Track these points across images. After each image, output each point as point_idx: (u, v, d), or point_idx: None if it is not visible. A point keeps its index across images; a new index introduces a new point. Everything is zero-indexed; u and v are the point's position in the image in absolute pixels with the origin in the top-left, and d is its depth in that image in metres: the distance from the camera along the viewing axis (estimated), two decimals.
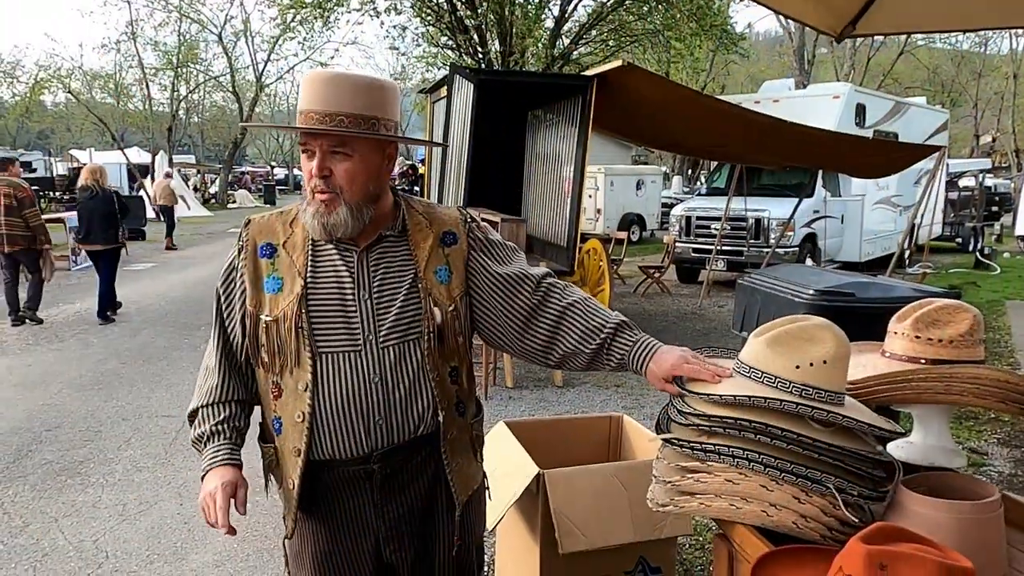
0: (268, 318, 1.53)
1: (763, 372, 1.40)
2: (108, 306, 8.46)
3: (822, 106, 10.99)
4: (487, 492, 1.82)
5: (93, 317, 8.53)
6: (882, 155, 8.28)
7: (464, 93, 6.84)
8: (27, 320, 8.14)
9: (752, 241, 10.64)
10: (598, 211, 17.37)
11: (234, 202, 31.41)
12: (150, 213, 18.20)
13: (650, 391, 5.76)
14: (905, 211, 12.88)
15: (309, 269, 1.54)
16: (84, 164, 25.39)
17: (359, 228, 1.52)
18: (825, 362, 1.37)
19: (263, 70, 31.25)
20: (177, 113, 31.24)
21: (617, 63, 6.60)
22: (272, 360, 1.54)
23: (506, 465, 2.42)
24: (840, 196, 11.59)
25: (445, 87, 7.25)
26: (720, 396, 1.39)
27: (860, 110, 11.56)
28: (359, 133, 1.47)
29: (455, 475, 1.63)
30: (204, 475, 1.55)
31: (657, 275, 10.66)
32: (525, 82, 8.79)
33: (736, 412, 1.37)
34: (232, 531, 1.50)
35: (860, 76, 32.15)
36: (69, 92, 29.36)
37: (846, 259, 11.89)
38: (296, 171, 42.45)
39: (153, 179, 24.64)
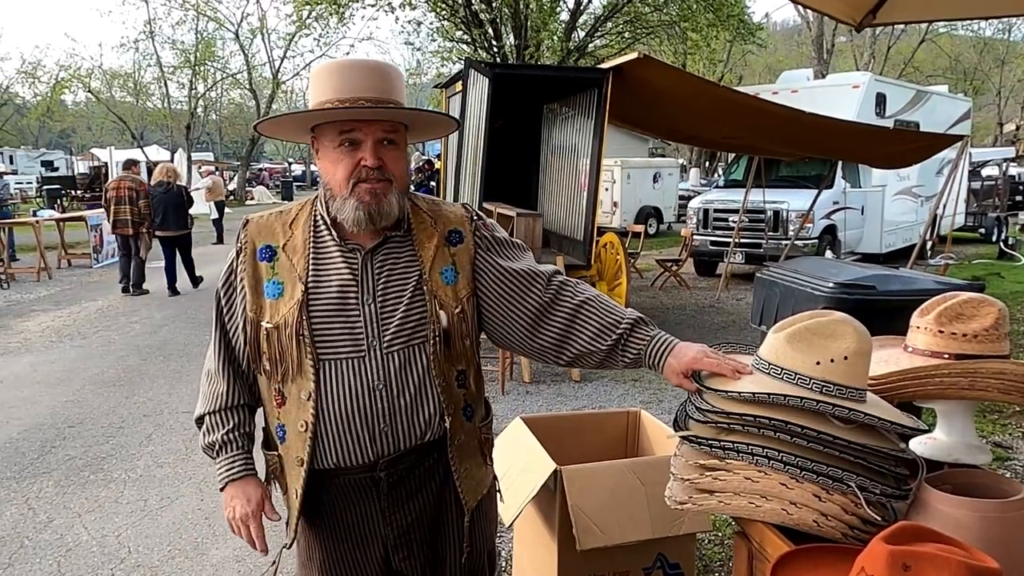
0: (269, 325, 1.49)
1: (783, 369, 1.38)
2: (192, 274, 10.19)
3: (841, 96, 10.85)
4: (498, 495, 1.79)
5: (115, 314, 8.73)
6: (903, 145, 8.16)
7: (479, 87, 6.82)
8: (141, 290, 9.93)
9: (771, 233, 10.54)
10: (615, 204, 17.30)
11: (252, 199, 31.61)
12: (204, 208, 18.45)
13: (668, 386, 5.70)
14: (927, 201, 12.71)
15: (310, 273, 1.51)
16: (104, 163, 25.83)
17: (401, 216, 1.53)
18: (846, 358, 1.35)
19: (279, 67, 31.42)
20: (195, 111, 31.47)
21: (633, 55, 6.56)
22: (274, 368, 1.51)
23: (523, 461, 2.41)
24: (860, 187, 11.45)
25: (460, 82, 7.25)
26: (740, 393, 1.38)
27: (880, 99, 11.40)
28: (432, 111, 1.55)
29: (463, 480, 1.60)
30: (223, 487, 1.57)
31: (675, 268, 10.60)
32: (540, 75, 8.76)
33: (756, 409, 1.36)
34: (267, 550, 1.58)
35: (880, 65, 31.76)
36: (89, 91, 29.74)
37: (866, 251, 11.76)
38: (313, 167, 42.63)
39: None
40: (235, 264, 1.57)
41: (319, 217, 1.57)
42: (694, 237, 11.31)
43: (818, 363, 1.36)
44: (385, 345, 1.49)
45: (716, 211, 11.29)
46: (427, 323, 1.51)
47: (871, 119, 10.38)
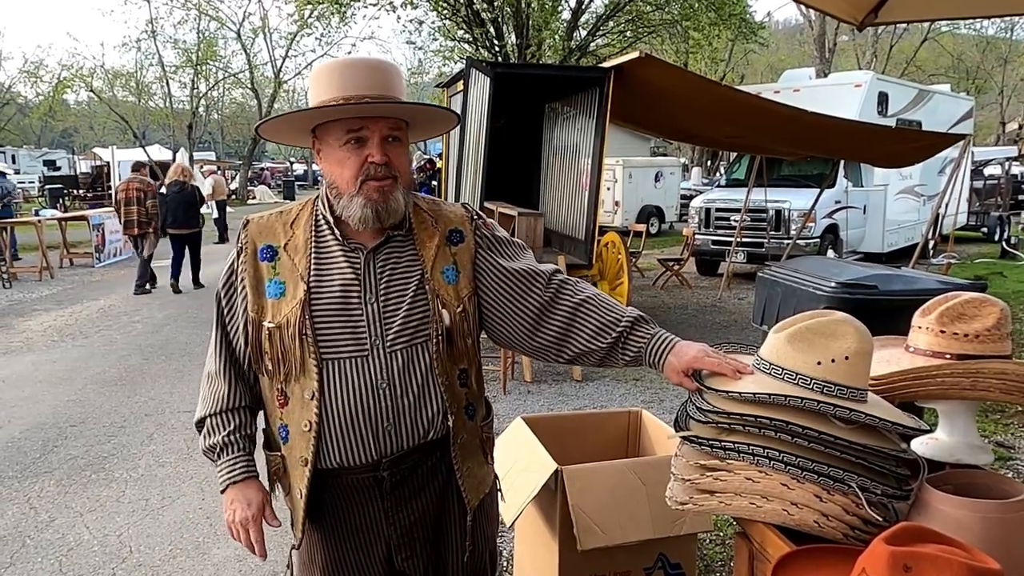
0: (271, 325, 1.49)
1: (784, 369, 1.38)
2: (196, 274, 10.38)
3: (844, 95, 10.83)
4: (500, 494, 1.79)
5: (117, 313, 8.77)
6: (905, 144, 8.14)
7: (480, 87, 6.82)
8: (144, 289, 10.10)
9: (772, 233, 10.52)
10: (616, 204, 17.28)
11: (254, 198, 31.62)
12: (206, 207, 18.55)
13: (669, 386, 5.68)
14: (929, 200, 12.67)
15: (312, 272, 1.51)
16: (107, 162, 25.88)
17: (404, 214, 1.53)
18: (847, 358, 1.35)
19: (281, 66, 31.42)
20: (197, 110, 31.49)
21: (634, 54, 6.54)
22: (276, 368, 1.50)
23: (524, 461, 2.41)
24: (862, 186, 11.43)
25: (462, 81, 7.24)
26: (740, 393, 1.37)
27: (882, 98, 11.37)
28: (435, 106, 1.55)
29: (466, 479, 1.60)
30: (224, 489, 1.56)
31: (676, 268, 10.59)
32: (542, 75, 8.74)
33: (757, 409, 1.35)
34: (265, 555, 1.57)
35: (882, 64, 31.69)
36: (91, 91, 29.77)
37: (868, 250, 11.73)
38: (315, 166, 42.68)
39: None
40: (236, 264, 1.57)
41: (321, 216, 1.57)
42: (696, 236, 11.29)
43: (819, 363, 1.35)
44: (388, 344, 1.49)
45: (718, 210, 11.27)
46: (430, 322, 1.52)
47: (873, 118, 10.37)
